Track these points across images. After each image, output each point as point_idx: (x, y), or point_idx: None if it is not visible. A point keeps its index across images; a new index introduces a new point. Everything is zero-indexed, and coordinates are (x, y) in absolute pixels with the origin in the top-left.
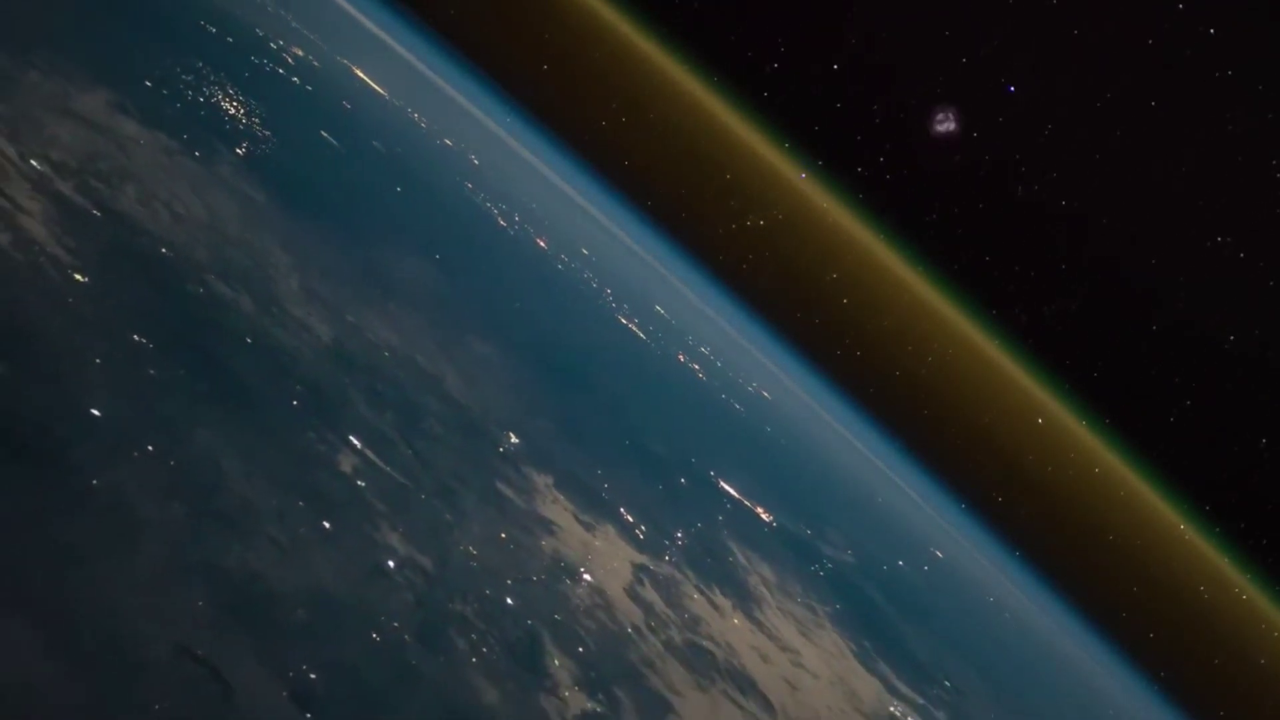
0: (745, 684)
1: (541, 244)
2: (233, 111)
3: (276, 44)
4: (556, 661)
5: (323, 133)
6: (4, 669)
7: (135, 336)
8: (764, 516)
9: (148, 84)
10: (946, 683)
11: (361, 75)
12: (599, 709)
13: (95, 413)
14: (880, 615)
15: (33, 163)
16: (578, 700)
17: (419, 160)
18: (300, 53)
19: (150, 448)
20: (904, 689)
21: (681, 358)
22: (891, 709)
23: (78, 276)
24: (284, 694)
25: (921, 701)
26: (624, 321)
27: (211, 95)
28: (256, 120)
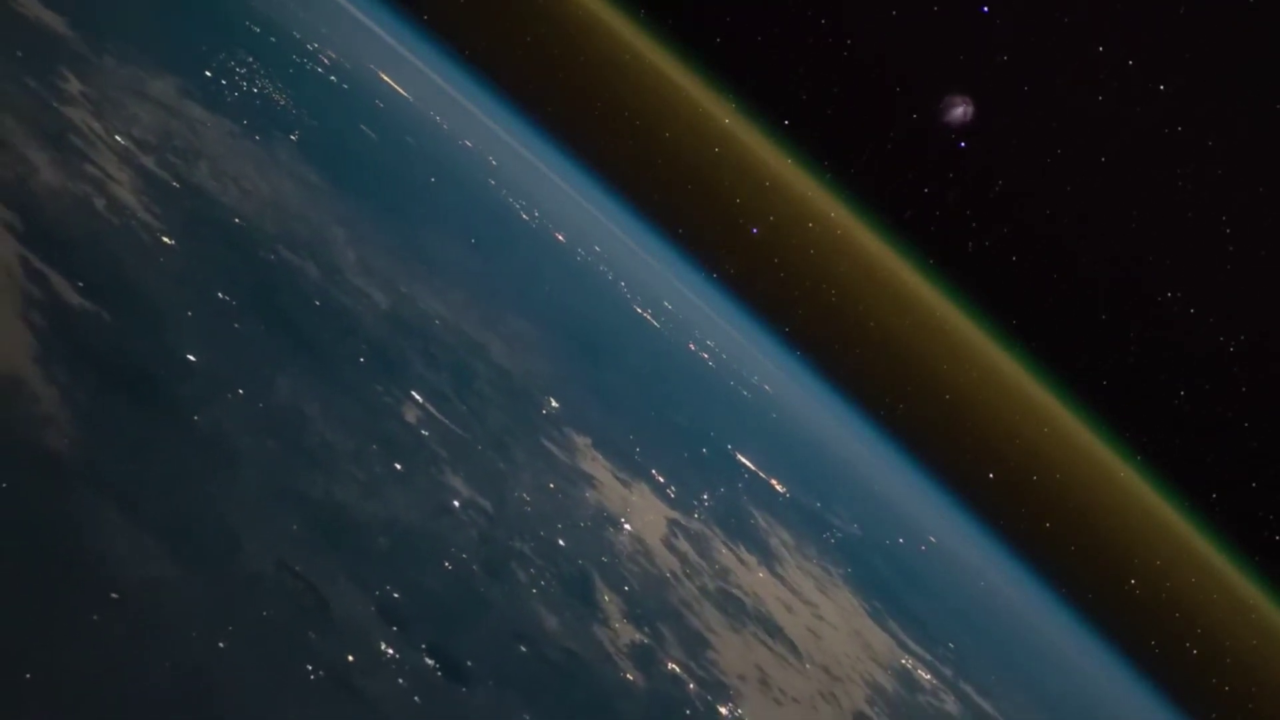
0: (773, 629)
1: (560, 238)
2: (282, 102)
3: (312, 46)
4: (606, 598)
5: (362, 126)
6: (138, 570)
7: (219, 294)
8: (778, 488)
9: (208, 74)
10: (950, 644)
11: (387, 79)
12: (646, 640)
13: (191, 358)
14: (887, 582)
15: (118, 138)
16: (627, 632)
17: (446, 156)
18: (334, 55)
19: (241, 391)
20: (913, 646)
21: (691, 346)
22: (903, 661)
23: (165, 239)
24: (373, 609)
25: (929, 658)
26: (639, 311)
27: (263, 87)
28: (304, 111)
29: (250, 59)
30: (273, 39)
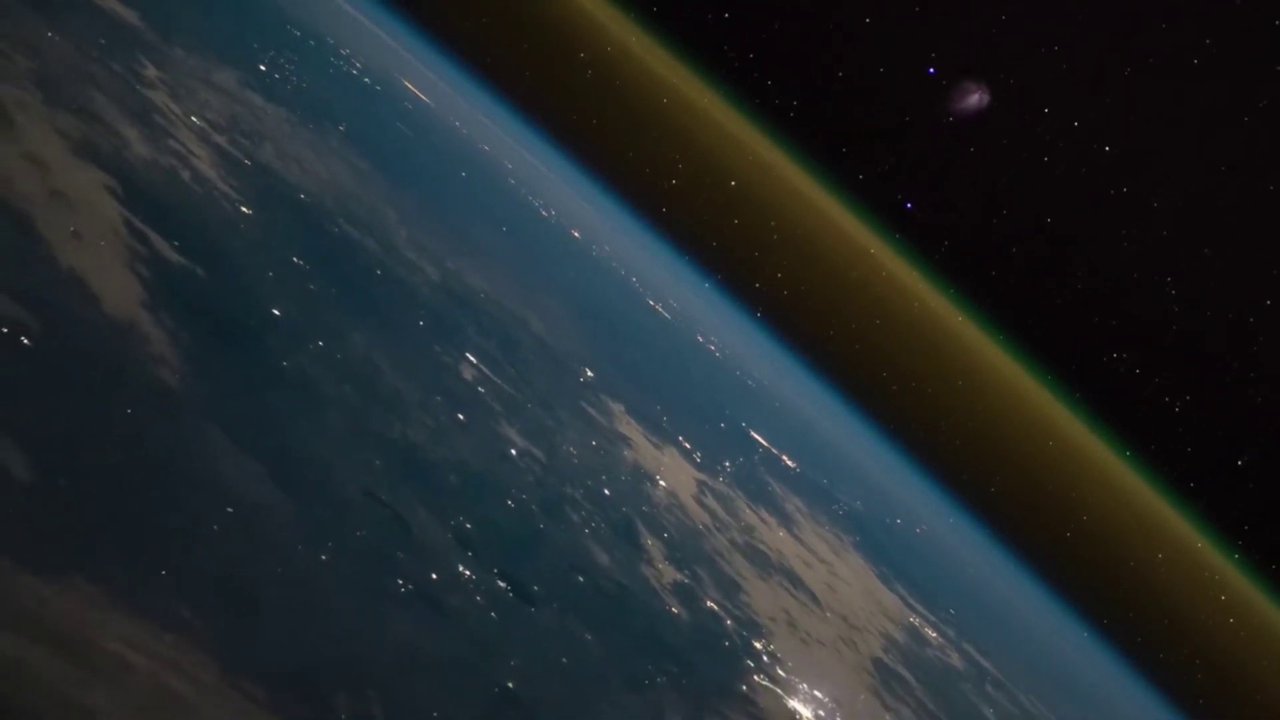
0: (795, 580)
1: (576, 234)
2: (328, 97)
3: (344, 51)
4: (649, 541)
5: (398, 124)
6: (246, 490)
7: (294, 259)
8: (789, 463)
9: (261, 68)
10: (950, 610)
11: (410, 86)
12: (686, 581)
13: (276, 312)
14: (891, 552)
15: (193, 119)
16: (669, 572)
17: (469, 156)
18: (363, 61)
19: (320, 343)
20: (919, 608)
21: (699, 339)
22: (911, 619)
23: (244, 209)
24: (449, 536)
25: (933, 619)
26: (650, 303)
27: (310, 83)
28: (347, 106)
29: (295, 58)
30: (311, 42)
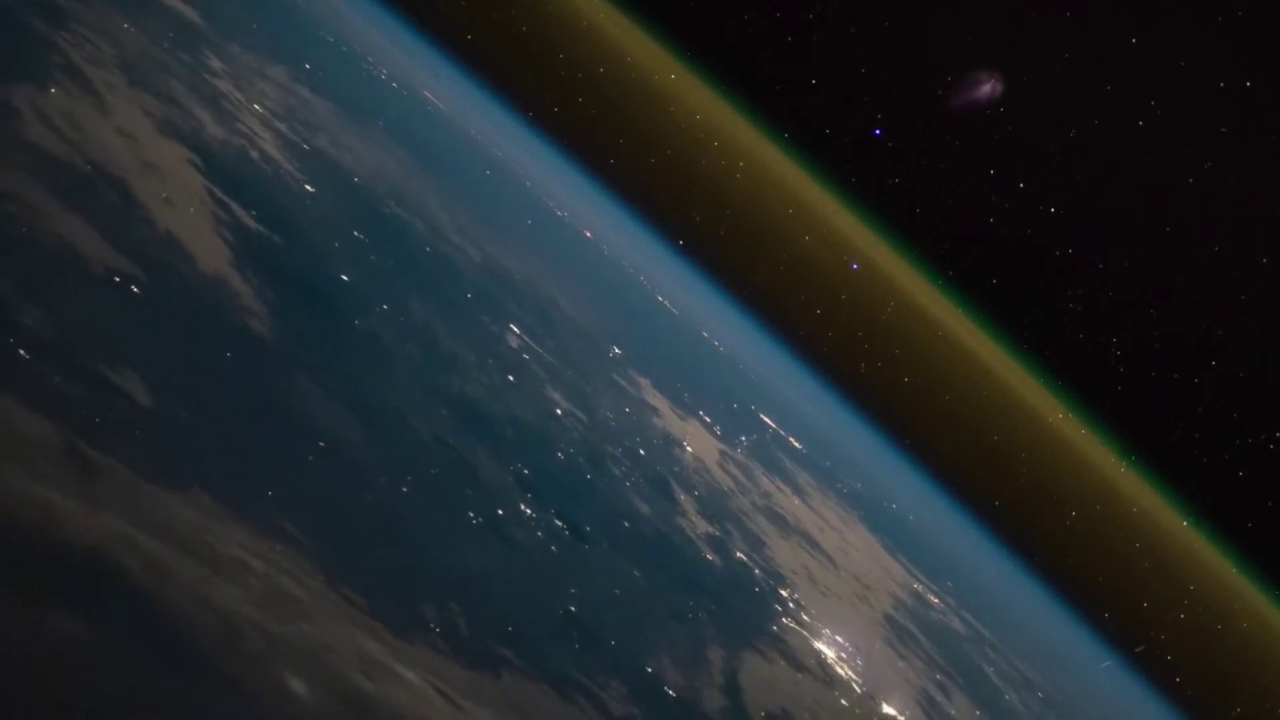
0: (812, 542)
1: (587, 234)
2: (364, 96)
3: (370, 58)
4: (682, 498)
5: (424, 124)
6: (334, 428)
7: (355, 233)
8: (795, 444)
9: (306, 66)
10: (948, 583)
11: (428, 94)
12: (718, 533)
13: (345, 278)
14: (892, 528)
15: (256, 107)
16: (702, 525)
17: (488, 158)
18: (388, 66)
19: (385, 306)
20: (921, 577)
21: (704, 334)
22: (915, 586)
23: (308, 187)
24: (510, 479)
25: (935, 589)
26: (659, 298)
27: (348, 83)
28: (383, 105)
29: (332, 60)
30: (343, 48)
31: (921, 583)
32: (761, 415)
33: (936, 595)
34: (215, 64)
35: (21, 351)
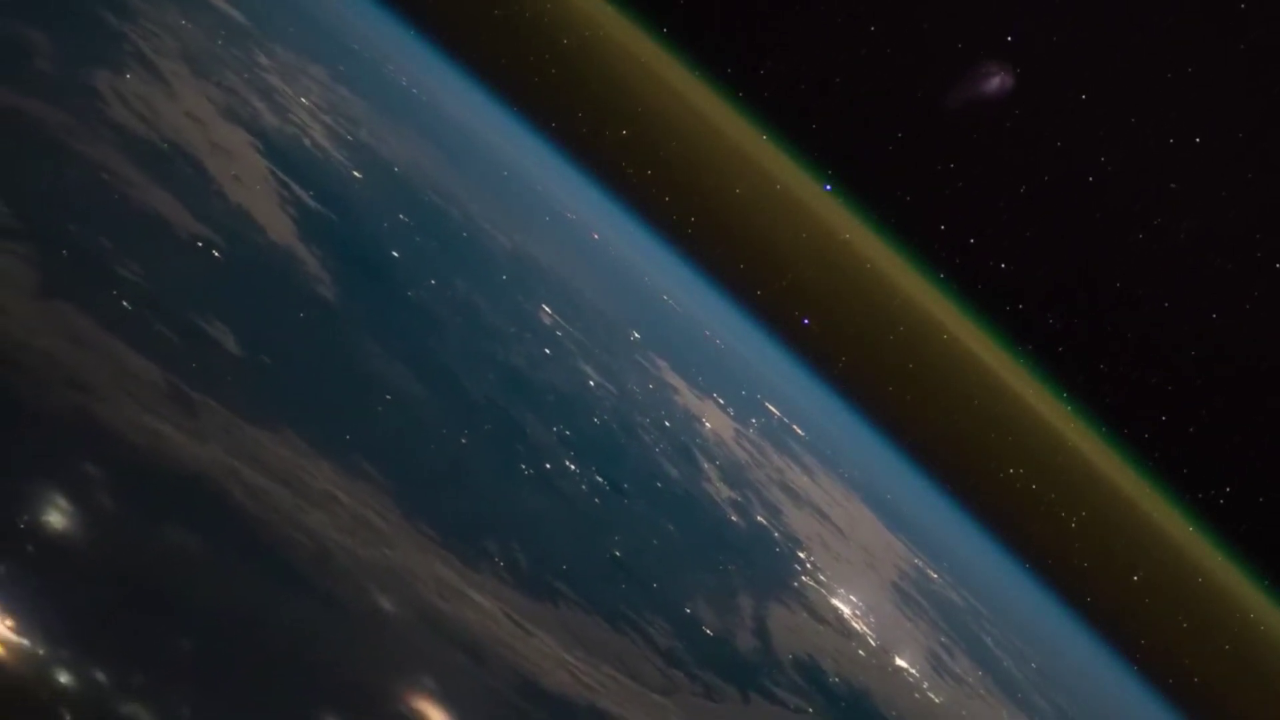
0: (821, 515)
1: (596, 236)
2: (392, 98)
3: (391, 67)
4: (705, 465)
5: (445, 127)
6: (399, 383)
7: (400, 216)
8: (799, 431)
9: (341, 68)
10: (945, 563)
11: (442, 98)
12: (739, 499)
13: (395, 254)
14: (892, 511)
15: (303, 100)
16: (725, 490)
17: (504, 162)
18: (408, 75)
19: (433, 281)
20: (921, 554)
21: (707, 333)
22: (916, 561)
23: (355, 173)
24: (555, 439)
25: (934, 565)
26: (665, 298)
27: (377, 85)
28: (409, 106)
29: (360, 63)
30: (368, 56)
31: (922, 560)
32: (767, 404)
33: (936, 572)
34: (264, 60)
35: (125, 303)
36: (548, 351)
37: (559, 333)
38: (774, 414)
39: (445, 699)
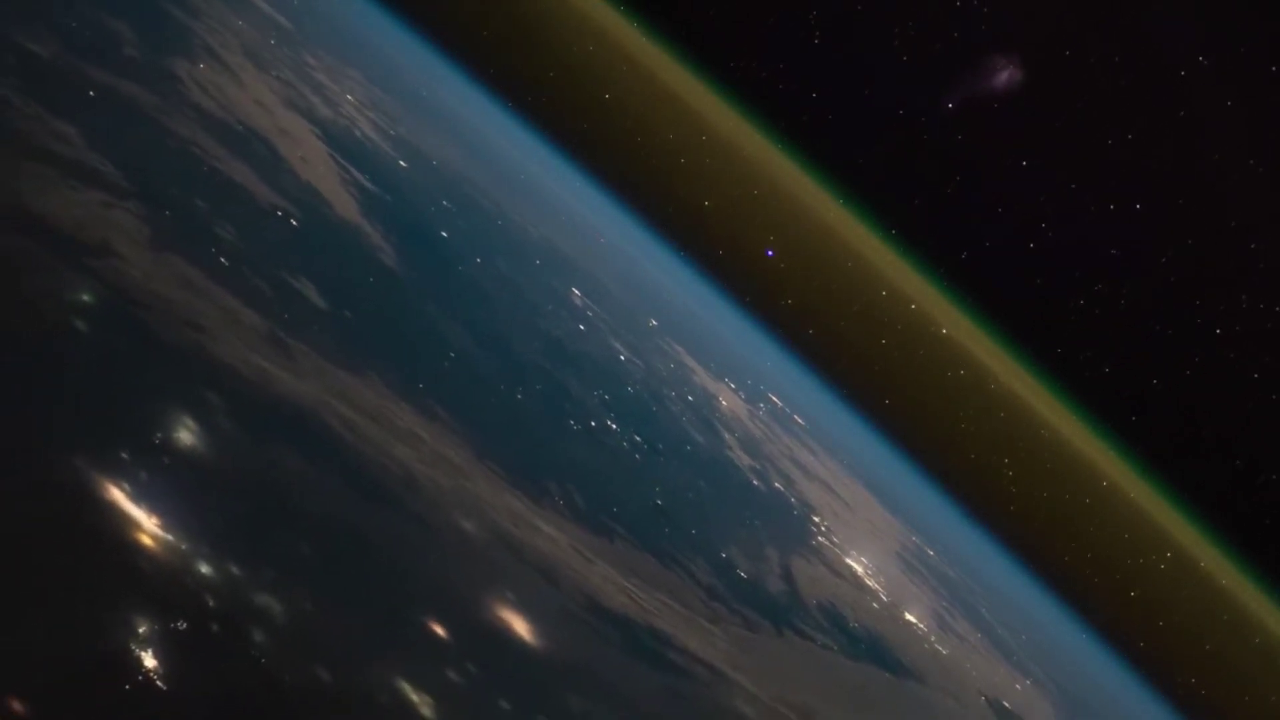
0: (829, 490)
1: (602, 240)
2: (419, 103)
3: (412, 69)
4: (726, 436)
5: (464, 131)
6: (459, 343)
7: (444, 201)
8: (800, 420)
9: (376, 71)
10: (939, 546)
11: (454, 102)
12: (758, 466)
13: (444, 234)
14: (889, 495)
15: (349, 97)
16: (745, 458)
17: (520, 167)
18: (428, 88)
19: (478, 260)
20: (919, 535)
21: (712, 329)
22: (914, 539)
23: (401, 163)
24: (596, 401)
25: (931, 545)
26: (669, 295)
27: (405, 88)
28: (437, 112)
29: (388, 68)
30: (397, 61)
31: (919, 539)
32: (770, 395)
33: (932, 549)
34: (311, 60)
35: (222, 259)
36: (582, 328)
37: (589, 313)
38: (776, 404)
39: (524, 609)
